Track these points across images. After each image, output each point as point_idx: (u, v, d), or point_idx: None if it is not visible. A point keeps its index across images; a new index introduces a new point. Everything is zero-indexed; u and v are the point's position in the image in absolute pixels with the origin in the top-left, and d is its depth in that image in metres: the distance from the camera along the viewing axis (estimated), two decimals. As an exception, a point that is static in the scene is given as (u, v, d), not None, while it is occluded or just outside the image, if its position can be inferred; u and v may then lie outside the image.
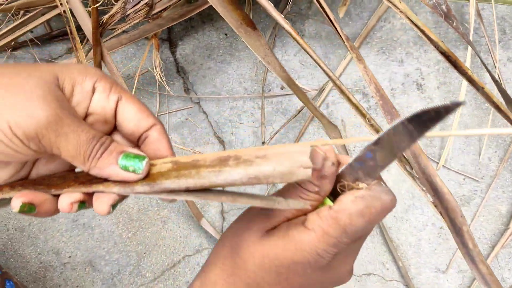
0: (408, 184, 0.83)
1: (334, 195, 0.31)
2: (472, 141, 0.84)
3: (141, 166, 0.28)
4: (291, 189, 0.30)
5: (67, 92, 0.29)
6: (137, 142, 0.32)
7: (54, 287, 0.77)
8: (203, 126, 0.83)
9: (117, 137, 0.33)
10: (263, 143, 0.81)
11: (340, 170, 0.30)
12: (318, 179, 0.29)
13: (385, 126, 0.82)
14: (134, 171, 0.28)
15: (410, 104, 0.85)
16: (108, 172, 0.28)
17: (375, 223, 0.29)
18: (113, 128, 0.32)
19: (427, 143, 0.84)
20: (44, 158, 0.32)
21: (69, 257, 0.78)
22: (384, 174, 0.83)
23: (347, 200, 0.29)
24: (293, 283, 0.31)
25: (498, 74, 0.82)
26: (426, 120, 0.26)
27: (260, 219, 0.31)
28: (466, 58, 0.81)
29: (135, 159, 0.28)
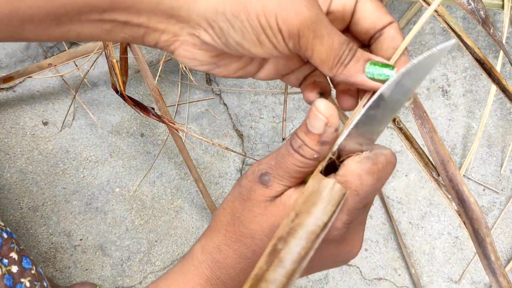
0: (426, 191, 0.82)
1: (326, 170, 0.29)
2: (495, 152, 0.83)
3: (391, 75, 0.28)
4: (285, 157, 0.29)
5: None
6: (368, 41, 0.31)
7: (64, 268, 0.77)
8: (223, 118, 0.82)
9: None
10: (283, 139, 0.81)
11: (338, 144, 0.28)
12: (318, 145, 0.27)
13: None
14: (382, 81, 0.28)
15: (434, 110, 0.84)
16: (355, 79, 0.28)
17: (383, 180, 0.28)
18: (344, 29, 0.31)
19: (448, 150, 0.83)
20: (276, 60, 0.32)
21: (80, 239, 0.77)
22: (403, 179, 0.82)
23: (352, 163, 0.28)
24: (322, 258, 0.30)
25: (526, 86, 0.80)
26: (418, 71, 0.26)
27: (260, 188, 0.30)
28: (496, 66, 0.79)
29: (383, 67, 0.28)
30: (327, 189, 0.27)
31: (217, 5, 0.26)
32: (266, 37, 0.26)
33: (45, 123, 0.80)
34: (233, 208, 0.31)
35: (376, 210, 0.81)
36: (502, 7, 0.74)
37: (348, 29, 0.31)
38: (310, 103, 0.30)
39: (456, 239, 0.81)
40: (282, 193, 0.29)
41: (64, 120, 0.80)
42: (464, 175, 0.82)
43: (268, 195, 0.29)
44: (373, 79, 0.28)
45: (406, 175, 0.82)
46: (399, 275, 0.80)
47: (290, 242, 0.27)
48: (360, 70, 0.28)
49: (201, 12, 0.26)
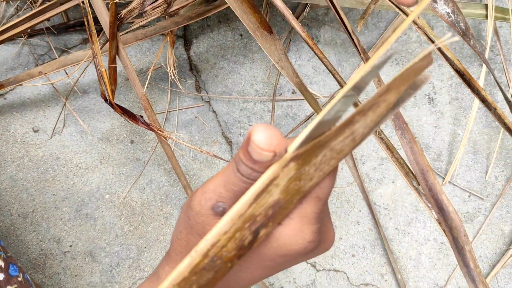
0: (413, 197, 0.83)
1: None
2: (480, 158, 0.84)
3: None
4: (238, 184, 0.26)
5: None
6: None
7: (53, 275, 0.77)
8: (212, 125, 0.83)
9: None
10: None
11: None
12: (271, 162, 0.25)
13: (394, 138, 0.82)
14: None
15: (420, 117, 0.85)
16: None
17: (336, 173, 0.28)
18: None
19: (434, 157, 0.84)
20: None
21: (70, 246, 0.78)
22: (390, 186, 0.83)
23: None
24: (279, 267, 0.30)
25: (511, 94, 0.82)
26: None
27: (217, 220, 0.27)
28: (480, 75, 0.81)
29: None
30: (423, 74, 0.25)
31: None
32: None
33: (35, 130, 0.81)
34: (189, 241, 0.29)
35: (363, 216, 0.82)
36: (486, 16, 0.76)
37: None
38: None
39: (442, 244, 0.82)
40: None
41: (55, 127, 0.80)
42: (449, 182, 0.83)
43: None
44: None
45: (393, 182, 0.83)
46: (386, 280, 0.81)
47: (369, 116, 0.25)
48: None
49: None
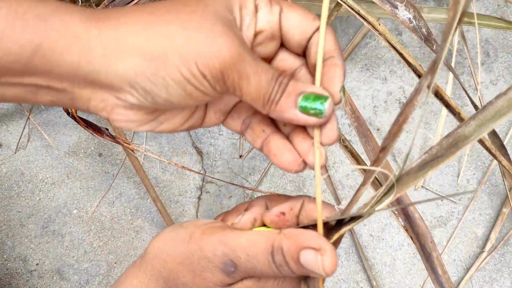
0: (386, 203, 0.83)
1: None
2: (452, 162, 0.84)
3: (323, 109, 0.26)
4: (263, 266, 0.27)
5: (238, 20, 0.27)
6: (304, 52, 0.29)
7: (20, 294, 0.75)
8: (182, 135, 0.82)
9: (283, 55, 0.30)
10: (240, 156, 0.80)
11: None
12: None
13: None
14: (315, 115, 0.27)
15: (391, 122, 0.85)
16: (287, 115, 0.27)
17: None
18: (279, 45, 0.30)
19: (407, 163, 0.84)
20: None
21: (37, 264, 0.76)
22: (363, 193, 0.83)
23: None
24: None
25: (479, 97, 0.82)
26: None
27: (221, 275, 0.28)
28: (449, 79, 0.81)
29: (316, 101, 0.26)
30: None
31: (135, 67, 0.24)
32: (193, 86, 0.25)
33: (-2, 146, 0.78)
34: (177, 269, 0.29)
35: (337, 223, 0.82)
36: (452, 21, 0.76)
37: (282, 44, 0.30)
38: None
39: (417, 250, 0.82)
40: (239, 281, 0.29)
41: (19, 142, 0.78)
42: (422, 186, 0.83)
43: (226, 282, 0.28)
44: (306, 113, 0.27)
45: (366, 190, 0.83)
46: (361, 288, 0.80)
47: None
48: (292, 105, 0.27)
49: (120, 74, 0.25)
